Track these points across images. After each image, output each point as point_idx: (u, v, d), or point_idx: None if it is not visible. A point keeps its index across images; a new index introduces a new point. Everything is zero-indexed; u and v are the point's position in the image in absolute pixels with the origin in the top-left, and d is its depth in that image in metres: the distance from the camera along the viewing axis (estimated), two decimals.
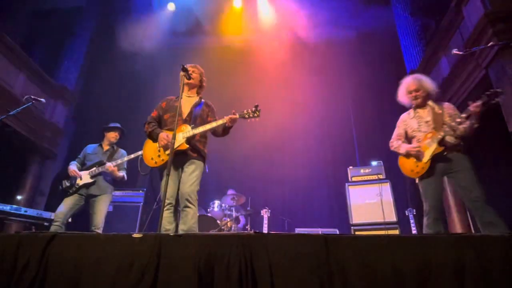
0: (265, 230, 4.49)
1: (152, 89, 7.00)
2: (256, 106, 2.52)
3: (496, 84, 3.59)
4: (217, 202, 5.26)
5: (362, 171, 4.89)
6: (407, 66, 6.07)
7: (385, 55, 6.82)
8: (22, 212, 3.72)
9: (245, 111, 2.52)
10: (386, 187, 4.48)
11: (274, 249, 1.45)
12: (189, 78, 2.64)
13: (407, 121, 2.82)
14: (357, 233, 4.37)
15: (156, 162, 2.57)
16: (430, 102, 2.75)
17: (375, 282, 1.34)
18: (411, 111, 2.83)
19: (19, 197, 5.77)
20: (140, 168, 2.89)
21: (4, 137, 5.57)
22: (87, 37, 7.61)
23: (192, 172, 2.49)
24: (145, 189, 5.37)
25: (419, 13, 6.24)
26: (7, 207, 3.60)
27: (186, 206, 2.40)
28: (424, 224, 2.53)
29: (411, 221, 4.32)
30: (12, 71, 5.56)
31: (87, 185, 3.40)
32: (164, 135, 2.49)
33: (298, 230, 4.94)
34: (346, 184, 4.79)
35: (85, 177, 3.42)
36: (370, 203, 4.50)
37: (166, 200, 2.33)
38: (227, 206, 5.28)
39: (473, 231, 4.21)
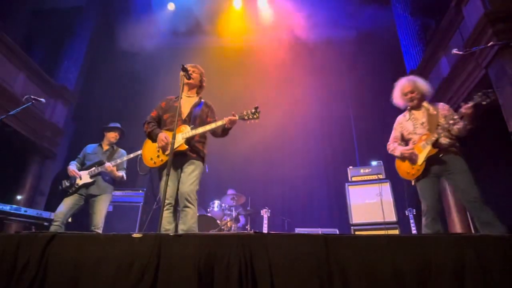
0: (265, 230, 4.49)
1: (152, 89, 6.99)
2: (256, 108, 2.50)
3: (496, 84, 3.59)
4: (217, 202, 5.26)
5: (362, 171, 4.89)
6: (407, 66, 6.07)
7: (385, 55, 6.82)
8: (22, 212, 3.72)
9: (244, 113, 2.51)
10: (386, 187, 4.48)
11: (274, 249, 1.45)
12: (189, 78, 2.64)
13: (403, 124, 2.84)
14: (357, 233, 4.37)
15: (155, 163, 2.56)
16: (425, 104, 2.76)
17: (375, 282, 1.34)
18: (406, 113, 2.85)
19: (19, 197, 5.77)
20: (139, 168, 2.89)
21: (4, 137, 5.57)
22: (87, 37, 7.60)
23: (192, 172, 2.49)
24: (145, 189, 5.37)
25: (419, 13, 6.24)
26: (7, 207, 3.60)
27: (186, 206, 2.40)
28: (423, 224, 2.55)
29: (411, 221, 4.32)
30: (12, 71, 5.56)
31: (86, 185, 3.40)
32: (163, 136, 2.49)
33: (298, 230, 4.94)
34: (346, 184, 4.79)
35: (84, 177, 3.42)
36: (370, 203, 4.50)
37: (166, 200, 2.33)
38: (227, 206, 5.28)
39: (473, 231, 4.21)
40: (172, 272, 1.43)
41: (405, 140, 2.84)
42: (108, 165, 3.42)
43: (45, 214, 3.94)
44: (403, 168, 2.73)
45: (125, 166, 3.67)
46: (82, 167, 3.55)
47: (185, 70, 2.52)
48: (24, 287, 1.48)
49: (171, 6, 7.69)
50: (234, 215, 5.08)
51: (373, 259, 1.39)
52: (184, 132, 2.49)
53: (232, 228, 4.91)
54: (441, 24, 5.06)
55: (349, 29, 7.22)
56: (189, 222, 2.37)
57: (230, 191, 5.54)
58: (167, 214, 2.45)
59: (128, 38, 7.16)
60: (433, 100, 2.91)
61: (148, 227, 4.21)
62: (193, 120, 2.60)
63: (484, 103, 2.36)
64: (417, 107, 2.77)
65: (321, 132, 7.10)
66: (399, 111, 2.96)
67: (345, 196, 4.71)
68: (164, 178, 2.12)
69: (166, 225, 2.42)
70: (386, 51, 6.79)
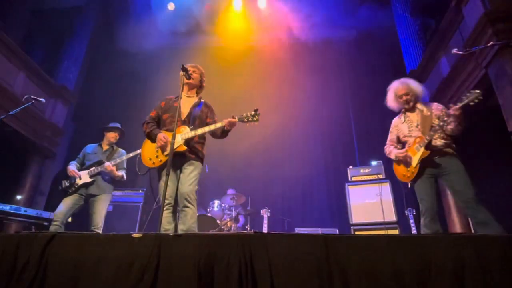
0: (265, 230, 4.49)
1: (152, 89, 6.98)
2: (256, 110, 2.50)
3: (496, 83, 3.59)
4: (217, 202, 5.26)
5: (362, 171, 4.89)
6: (407, 66, 6.07)
7: (385, 55, 6.82)
8: (21, 212, 3.71)
9: (244, 115, 2.51)
10: (386, 187, 4.48)
11: (274, 249, 1.45)
12: (189, 78, 2.64)
13: (398, 126, 2.85)
14: (357, 233, 4.37)
15: (154, 163, 2.56)
16: (418, 105, 2.77)
17: (375, 282, 1.34)
18: (401, 116, 2.86)
19: (18, 197, 5.77)
20: (138, 168, 2.89)
21: (4, 137, 5.57)
22: (87, 37, 7.60)
23: (191, 173, 2.49)
24: (144, 189, 5.36)
25: (419, 13, 6.24)
26: (6, 207, 3.59)
27: (185, 206, 2.40)
28: (422, 225, 2.56)
29: (411, 221, 4.32)
30: (12, 71, 5.56)
31: (86, 185, 3.40)
32: (162, 136, 2.48)
33: (298, 230, 4.94)
34: (346, 184, 4.79)
35: (84, 177, 3.42)
36: (370, 203, 4.50)
37: (166, 200, 2.33)
38: (227, 206, 5.28)
39: (473, 231, 4.20)
40: (172, 272, 1.43)
41: (401, 143, 2.85)
42: (108, 164, 3.42)
43: (45, 214, 3.94)
44: (400, 171, 2.76)
45: (124, 165, 3.67)
46: (82, 167, 3.54)
47: (185, 70, 2.51)
48: (24, 287, 1.48)
49: (171, 6, 7.68)
50: (234, 215, 5.08)
51: (373, 259, 1.39)
52: (184, 133, 2.49)
53: (232, 228, 4.91)
54: (441, 24, 5.06)
55: (349, 29, 7.21)
56: (188, 222, 2.37)
57: (230, 191, 5.54)
58: (166, 214, 2.45)
59: (128, 38, 7.15)
60: (433, 100, 2.92)
61: (148, 227, 4.20)
62: (192, 120, 2.60)
63: (472, 103, 2.37)
64: (412, 109, 2.78)
65: (321, 132, 7.09)
66: (399, 111, 2.97)
67: (345, 196, 4.71)
68: (163, 178, 2.12)
69: (166, 225, 2.42)
70: (386, 51, 6.79)
